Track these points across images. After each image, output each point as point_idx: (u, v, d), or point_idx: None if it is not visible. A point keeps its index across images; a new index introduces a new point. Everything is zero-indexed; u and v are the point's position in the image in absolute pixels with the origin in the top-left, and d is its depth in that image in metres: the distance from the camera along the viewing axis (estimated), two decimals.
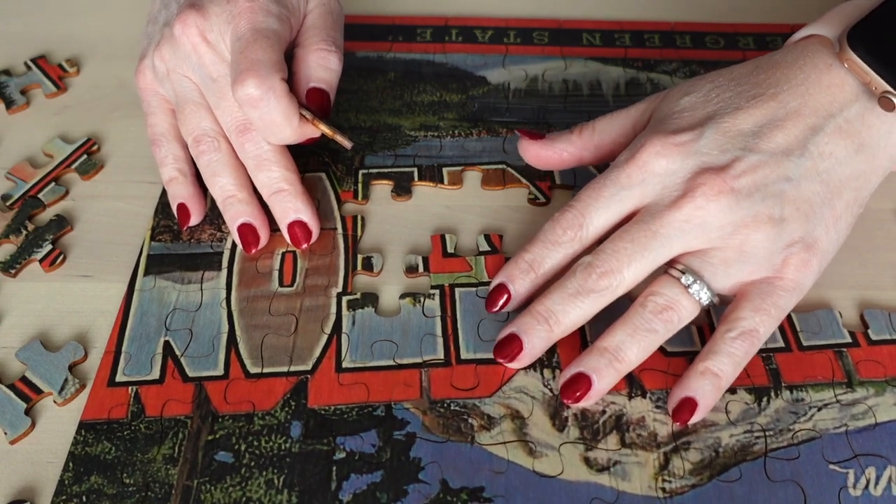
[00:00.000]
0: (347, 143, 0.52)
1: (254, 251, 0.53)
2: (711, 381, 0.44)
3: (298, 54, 0.53)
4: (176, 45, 0.52)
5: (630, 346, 0.45)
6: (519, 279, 0.48)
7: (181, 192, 0.54)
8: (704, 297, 0.45)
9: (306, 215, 0.52)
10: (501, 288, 0.48)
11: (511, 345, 0.46)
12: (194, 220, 0.54)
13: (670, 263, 0.46)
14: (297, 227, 0.52)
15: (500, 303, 0.48)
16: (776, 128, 0.46)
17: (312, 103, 0.52)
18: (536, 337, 0.46)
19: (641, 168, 0.47)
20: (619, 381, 0.45)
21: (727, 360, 0.44)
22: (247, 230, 0.52)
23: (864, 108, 0.46)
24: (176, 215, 0.54)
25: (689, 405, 0.44)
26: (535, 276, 0.48)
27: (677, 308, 0.45)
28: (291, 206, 0.52)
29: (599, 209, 0.47)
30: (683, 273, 0.45)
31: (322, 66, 0.52)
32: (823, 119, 0.46)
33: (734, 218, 0.45)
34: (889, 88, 0.45)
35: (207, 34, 0.51)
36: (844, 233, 0.47)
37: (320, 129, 0.52)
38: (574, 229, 0.47)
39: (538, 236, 0.48)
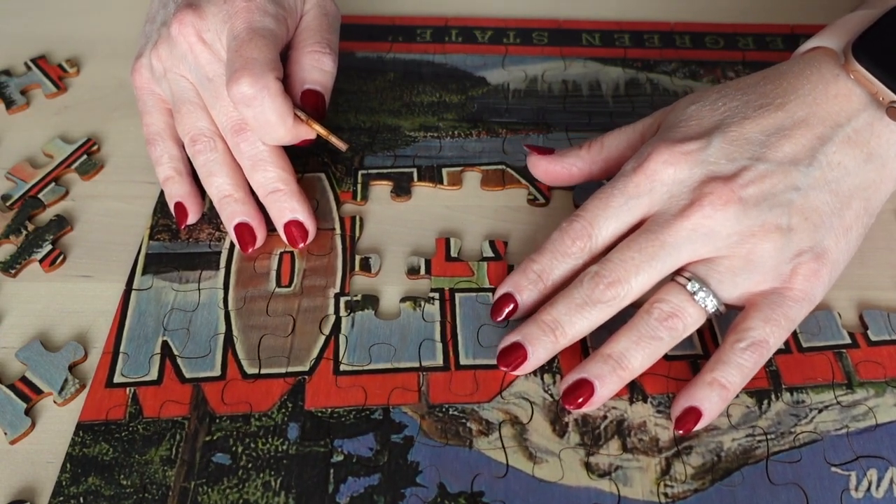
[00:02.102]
0: (342, 145, 0.52)
1: (251, 251, 0.53)
2: (719, 392, 0.44)
3: (293, 56, 0.53)
4: (173, 45, 0.52)
5: (634, 354, 0.44)
6: (526, 290, 0.48)
7: (178, 191, 0.54)
8: (710, 305, 0.45)
9: (303, 215, 0.52)
10: (508, 297, 0.48)
11: (515, 353, 0.46)
12: (192, 218, 0.54)
13: (677, 271, 0.46)
14: (294, 227, 0.52)
15: (506, 312, 0.48)
16: (784, 137, 0.46)
17: (307, 105, 0.52)
18: (541, 347, 0.46)
19: (649, 177, 0.46)
20: (622, 388, 0.45)
21: (736, 371, 0.44)
22: (243, 230, 0.52)
23: (872, 118, 0.46)
24: (173, 214, 0.54)
25: (693, 414, 0.44)
26: (542, 286, 0.48)
27: (682, 316, 0.45)
28: (287, 206, 0.52)
29: (608, 219, 0.47)
30: (689, 280, 0.45)
31: (316, 68, 0.52)
32: (831, 129, 0.46)
33: (741, 227, 0.45)
34: None
35: (204, 34, 0.51)
36: (855, 243, 0.47)
37: (315, 129, 0.52)
38: (583, 240, 0.47)
39: (546, 246, 0.48)
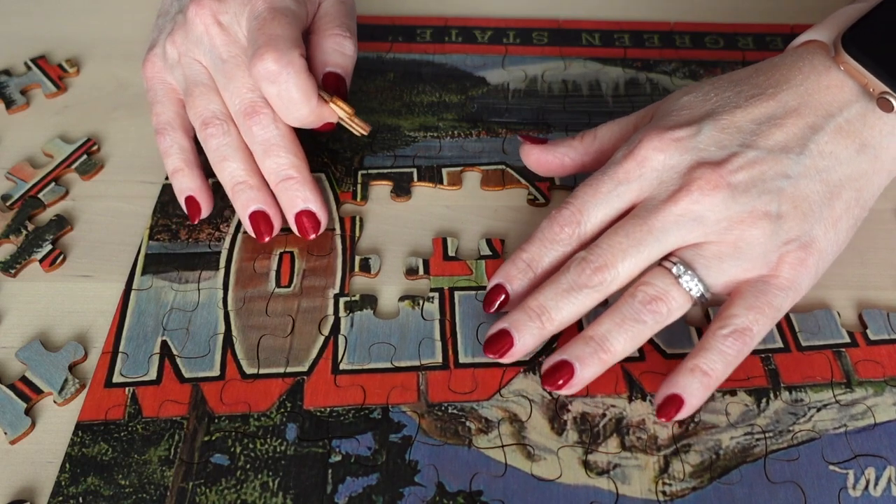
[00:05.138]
0: (365, 127, 0.52)
1: (267, 240, 0.52)
2: (700, 379, 0.44)
3: (313, 40, 0.53)
4: (188, 29, 0.52)
5: (617, 336, 0.44)
6: (517, 279, 0.48)
7: (188, 185, 0.53)
8: (695, 290, 0.45)
9: (315, 205, 0.52)
10: (499, 288, 0.48)
11: (502, 340, 0.46)
12: (204, 212, 0.54)
13: (665, 256, 0.46)
14: (305, 216, 0.52)
15: (498, 303, 0.48)
16: (775, 126, 0.46)
17: (328, 88, 0.52)
18: (528, 333, 0.46)
19: (639, 163, 0.46)
20: (603, 371, 0.45)
21: (718, 357, 0.44)
22: (259, 218, 0.52)
23: (864, 109, 0.46)
24: (184, 209, 0.54)
25: (675, 402, 0.44)
26: (533, 275, 0.48)
27: (667, 299, 0.44)
28: (300, 195, 0.51)
29: (597, 205, 0.47)
30: (675, 264, 0.45)
31: (338, 52, 0.52)
32: (823, 119, 0.46)
33: (730, 213, 0.45)
34: (886, 89, 0.45)
35: (220, 16, 0.51)
36: (844, 234, 0.47)
37: (339, 107, 0.51)
38: (572, 226, 0.47)
39: (536, 234, 0.48)
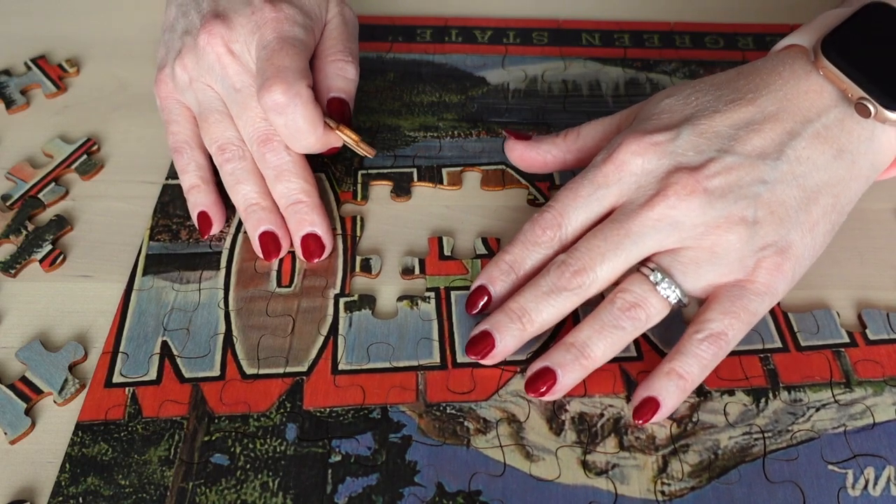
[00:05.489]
0: (371, 152, 0.53)
1: (273, 260, 0.53)
2: (676, 382, 0.44)
3: (316, 65, 0.54)
4: (200, 55, 0.52)
5: (596, 343, 0.45)
6: (499, 281, 0.48)
7: (203, 200, 0.54)
8: (673, 296, 0.45)
9: (321, 229, 0.52)
10: (482, 290, 0.48)
11: (484, 342, 0.46)
12: (215, 228, 0.54)
13: (643, 262, 0.46)
14: (311, 240, 0.52)
15: (481, 304, 0.48)
16: (753, 131, 0.46)
17: (333, 112, 0.52)
18: (509, 335, 0.46)
19: (618, 167, 0.47)
20: (585, 376, 0.45)
21: (694, 361, 0.44)
22: (268, 239, 0.52)
23: (843, 114, 0.46)
24: (196, 224, 0.54)
25: (651, 405, 0.44)
26: (515, 277, 0.48)
27: (645, 306, 0.45)
28: (307, 219, 0.52)
29: (578, 209, 0.47)
30: (653, 271, 0.45)
31: (340, 76, 0.53)
32: (801, 124, 0.46)
33: (706, 218, 0.45)
34: (864, 94, 0.45)
35: (232, 45, 0.52)
36: (822, 239, 0.47)
37: (345, 135, 0.52)
38: (553, 229, 0.47)
39: (518, 237, 0.49)
